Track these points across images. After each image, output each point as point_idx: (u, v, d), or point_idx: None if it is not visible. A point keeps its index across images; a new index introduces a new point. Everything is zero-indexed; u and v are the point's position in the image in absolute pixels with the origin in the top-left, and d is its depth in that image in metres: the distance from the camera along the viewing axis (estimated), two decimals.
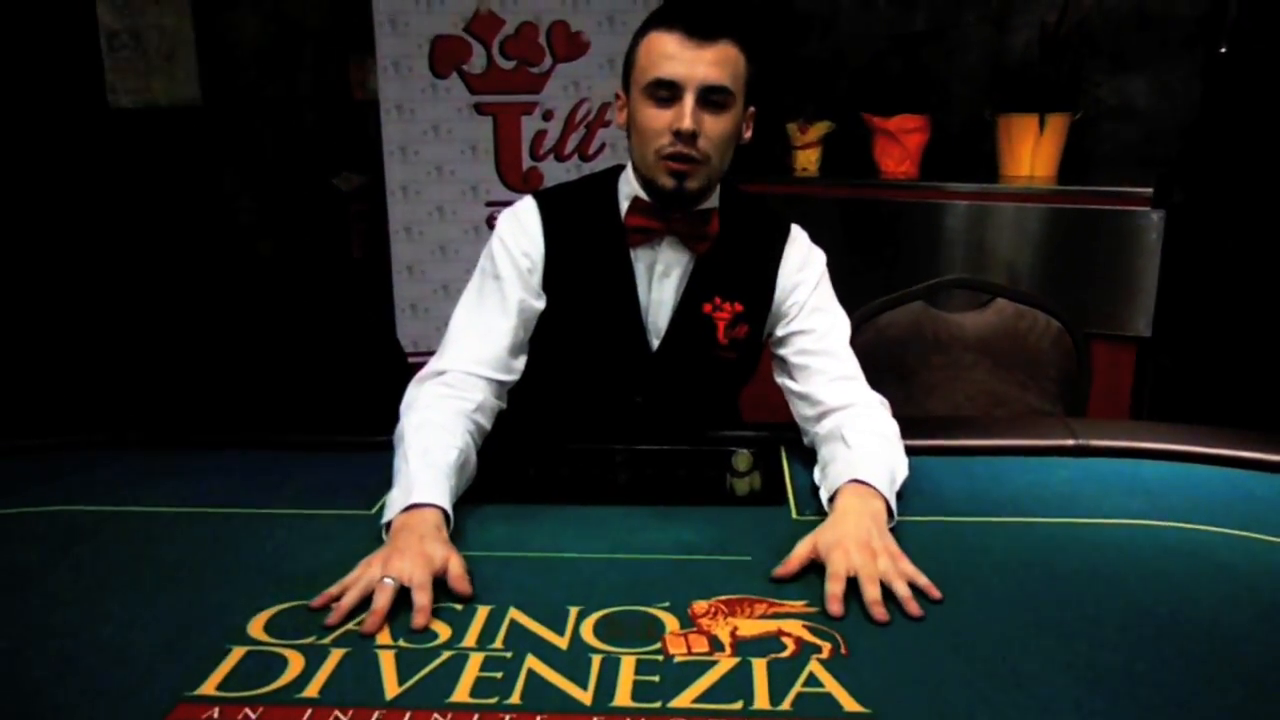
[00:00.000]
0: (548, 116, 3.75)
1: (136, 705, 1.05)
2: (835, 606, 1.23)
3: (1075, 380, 2.23)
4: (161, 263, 4.19)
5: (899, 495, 1.49)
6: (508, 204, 1.80)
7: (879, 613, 1.22)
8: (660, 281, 1.75)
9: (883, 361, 2.16)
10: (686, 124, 1.57)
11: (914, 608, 1.23)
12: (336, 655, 1.14)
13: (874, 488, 1.44)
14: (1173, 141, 3.67)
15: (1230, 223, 3.53)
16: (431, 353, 1.68)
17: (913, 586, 1.27)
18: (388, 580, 1.23)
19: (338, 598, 1.24)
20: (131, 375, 3.71)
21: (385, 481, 1.50)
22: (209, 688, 1.07)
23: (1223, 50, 3.51)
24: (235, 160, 4.46)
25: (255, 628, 1.20)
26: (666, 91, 1.59)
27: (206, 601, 1.26)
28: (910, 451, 1.60)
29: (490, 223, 3.75)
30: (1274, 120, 3.38)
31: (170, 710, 1.04)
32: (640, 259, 1.74)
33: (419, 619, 1.20)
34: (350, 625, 1.20)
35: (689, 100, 1.58)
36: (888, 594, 1.25)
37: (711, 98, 1.59)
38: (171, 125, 4.23)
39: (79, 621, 1.22)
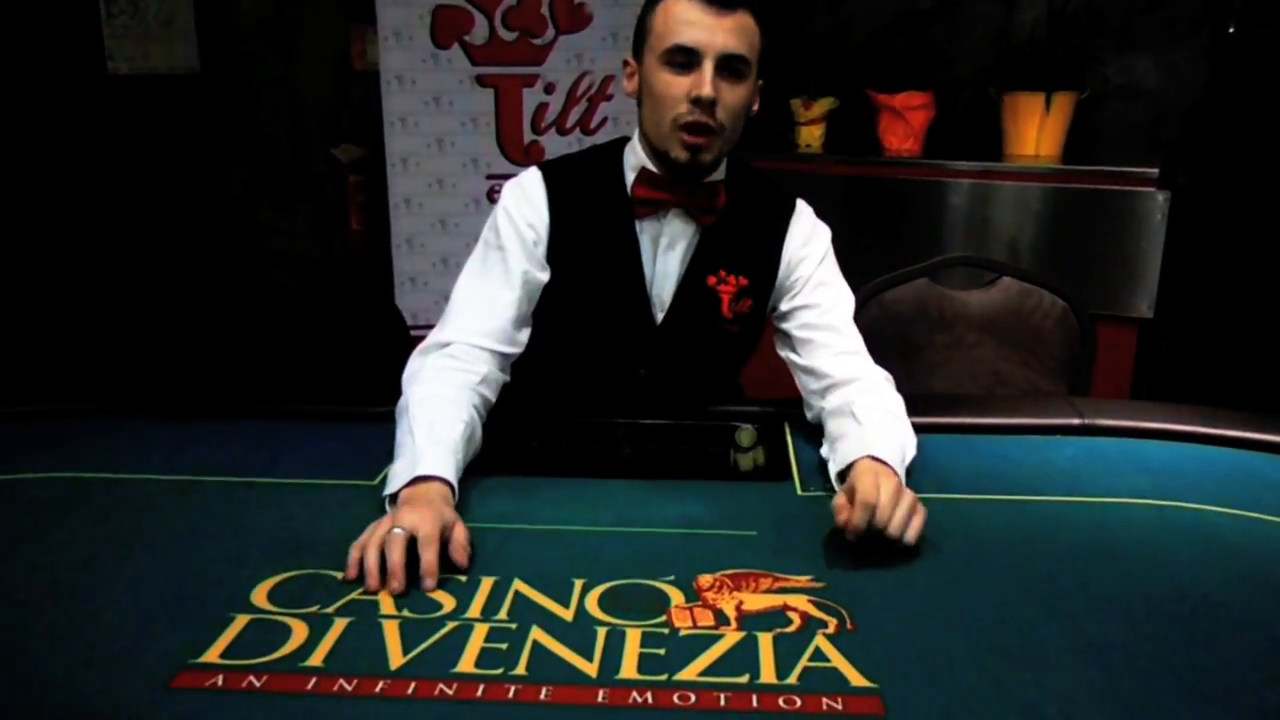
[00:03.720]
0: (549, 89, 3.73)
1: (139, 672, 1.04)
2: (843, 516, 1.27)
3: (1079, 360, 2.23)
4: (159, 231, 4.17)
5: (906, 472, 1.49)
6: (508, 177, 1.79)
7: (852, 528, 1.26)
8: (665, 254, 1.74)
9: (887, 338, 2.15)
10: (706, 90, 1.56)
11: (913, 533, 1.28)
12: (340, 624, 1.13)
13: (888, 464, 1.44)
14: (1179, 122, 3.66)
15: (1235, 205, 3.52)
16: (430, 325, 1.67)
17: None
18: (397, 530, 1.23)
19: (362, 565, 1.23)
20: (130, 343, 3.70)
21: (387, 452, 1.49)
22: (213, 655, 1.07)
23: (1231, 31, 3.49)
24: (233, 129, 4.43)
25: (259, 596, 1.19)
26: (685, 58, 1.57)
27: (209, 569, 1.26)
28: (916, 429, 1.59)
29: (491, 195, 3.73)
30: (1278, 102, 3.36)
31: (174, 677, 1.03)
32: (645, 231, 1.73)
33: (428, 580, 1.20)
34: (354, 595, 1.19)
35: (708, 67, 1.56)
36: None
37: (730, 66, 1.58)
38: (170, 93, 4.20)
39: (80, 588, 1.21)
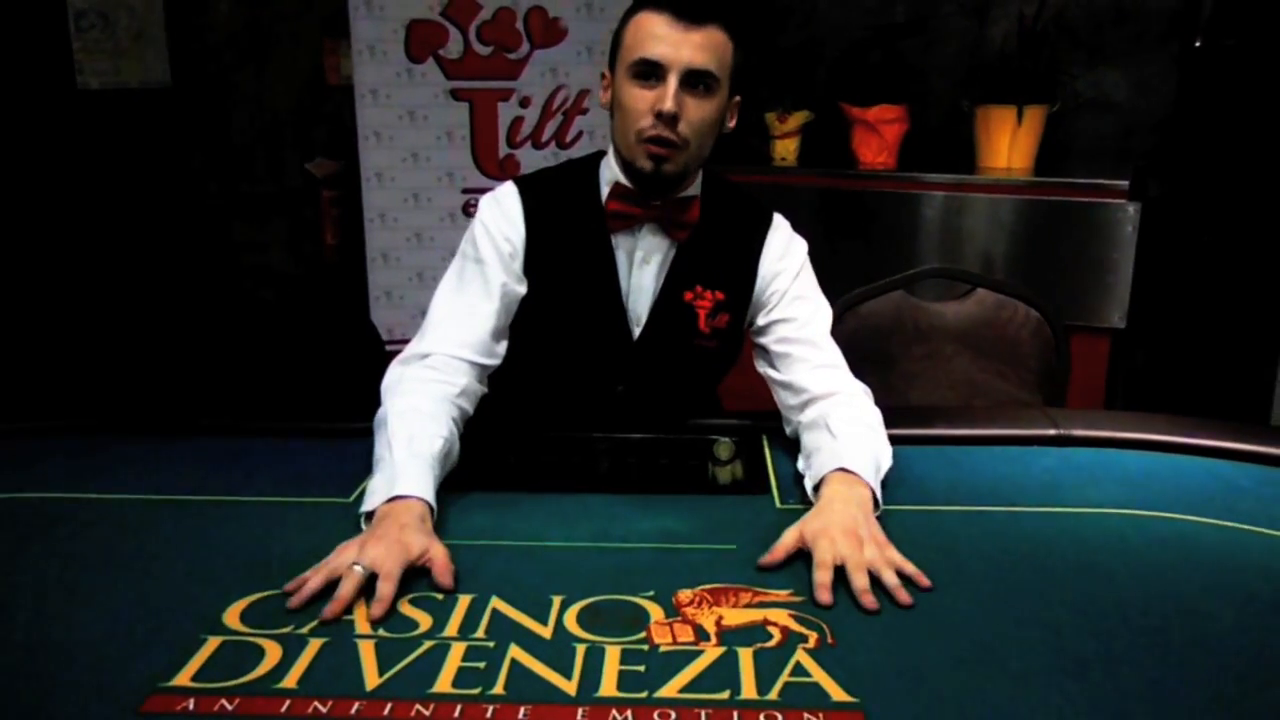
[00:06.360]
0: (525, 103, 3.72)
1: (109, 696, 1.02)
2: (824, 595, 1.22)
3: (1054, 371, 2.24)
4: (131, 247, 4.14)
5: (882, 484, 1.49)
6: (484, 191, 1.79)
7: (868, 601, 1.21)
8: (640, 268, 1.73)
9: (863, 351, 2.15)
10: (668, 105, 1.56)
11: (903, 596, 1.22)
12: (315, 645, 1.12)
13: (859, 476, 1.43)
14: (1149, 135, 3.69)
15: (1205, 216, 3.55)
16: (406, 340, 1.67)
17: (901, 575, 1.26)
18: (357, 567, 1.21)
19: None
20: (101, 361, 3.66)
21: (363, 468, 1.48)
22: (184, 678, 1.05)
23: (1197, 44, 3.53)
24: (206, 144, 4.40)
25: (231, 617, 1.17)
26: (651, 71, 1.58)
27: (181, 590, 1.24)
28: (892, 441, 1.59)
29: (466, 209, 3.72)
30: (1248, 114, 3.40)
31: (144, 701, 1.01)
32: (621, 245, 1.73)
33: (376, 609, 1.17)
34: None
35: (672, 82, 1.56)
36: (876, 583, 1.25)
37: (696, 81, 1.58)
38: (141, 108, 4.16)
39: (49, 611, 1.19)
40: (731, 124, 1.70)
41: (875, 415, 1.62)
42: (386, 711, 1.00)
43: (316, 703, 1.01)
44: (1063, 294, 3.15)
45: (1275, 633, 1.17)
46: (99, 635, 1.14)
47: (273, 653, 1.10)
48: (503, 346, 1.69)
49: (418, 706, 1.01)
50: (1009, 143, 3.44)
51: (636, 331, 1.75)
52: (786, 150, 3.76)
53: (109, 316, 3.93)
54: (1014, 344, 2.25)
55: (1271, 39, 3.31)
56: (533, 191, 1.73)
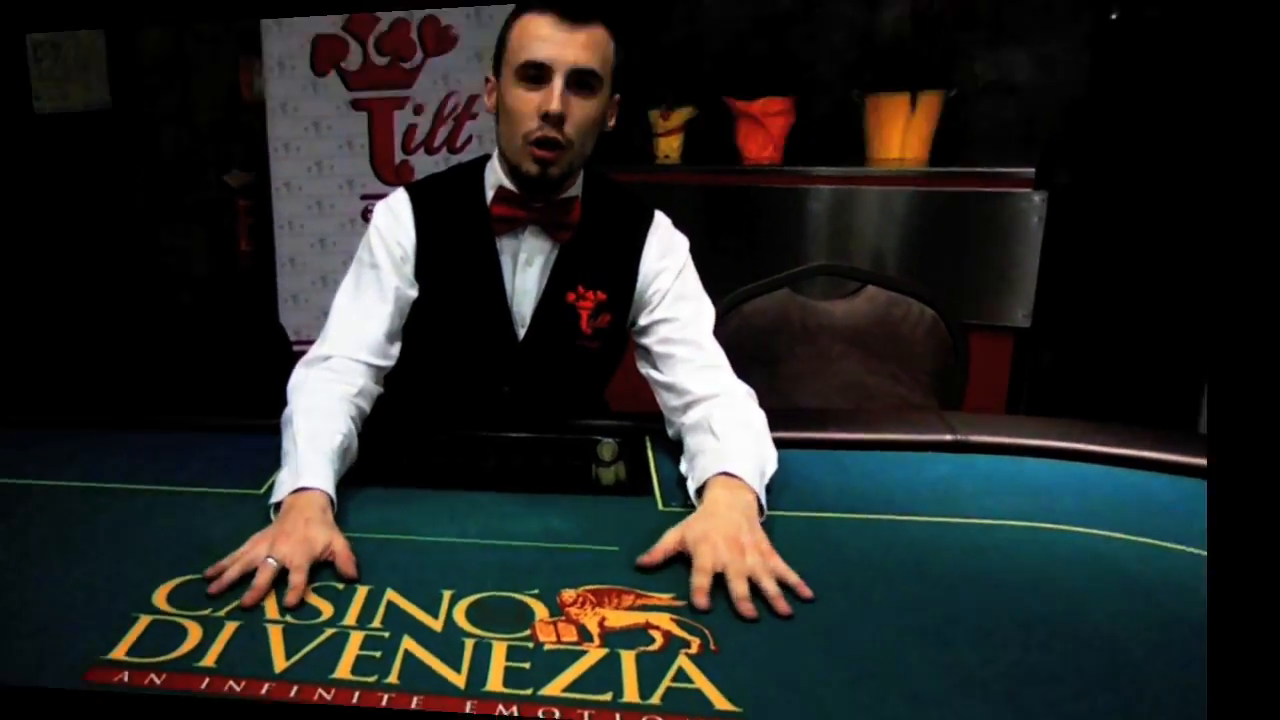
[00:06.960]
0: (418, 110, 3.76)
1: (54, 667, 1.11)
2: (701, 599, 1.22)
3: (950, 373, 2.18)
4: (71, 256, 4.20)
5: (768, 489, 1.47)
6: (381, 197, 1.83)
7: (746, 609, 1.20)
8: (524, 270, 1.76)
9: (748, 351, 2.11)
10: (554, 106, 1.57)
11: (782, 606, 1.21)
12: (230, 628, 1.19)
13: (743, 480, 1.43)
14: (1057, 118, 3.51)
15: (1118, 205, 3.37)
16: (311, 341, 1.73)
17: (783, 585, 1.25)
18: (271, 560, 1.28)
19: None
20: (34, 360, 3.67)
21: (273, 462, 1.55)
22: (119, 653, 1.13)
23: (1114, 16, 3.31)
24: (139, 160, 4.50)
25: (159, 598, 1.25)
26: (536, 73, 1.59)
27: (113, 573, 1.31)
28: (780, 444, 1.56)
29: (365, 215, 3.76)
30: (1167, 93, 3.17)
31: (85, 672, 1.09)
32: (505, 248, 1.76)
33: (290, 597, 1.24)
34: (239, 600, 1.24)
35: (558, 83, 1.58)
36: (756, 591, 1.24)
37: (580, 81, 1.59)
38: (85, 129, 4.24)
39: None
40: (611, 123, 1.71)
41: (760, 418, 1.60)
42: (293, 694, 1.06)
43: (231, 682, 1.08)
44: (962, 290, 3.08)
45: (1192, 655, 1.11)
46: (40, 612, 1.22)
47: (194, 633, 1.17)
48: (396, 348, 1.73)
49: (320, 690, 1.07)
50: (902, 132, 3.35)
51: (521, 333, 1.79)
52: (670, 148, 3.70)
53: (44, 318, 3.96)
54: (907, 344, 2.20)
55: (1200, 5, 2.95)
56: (423, 197, 1.77)
